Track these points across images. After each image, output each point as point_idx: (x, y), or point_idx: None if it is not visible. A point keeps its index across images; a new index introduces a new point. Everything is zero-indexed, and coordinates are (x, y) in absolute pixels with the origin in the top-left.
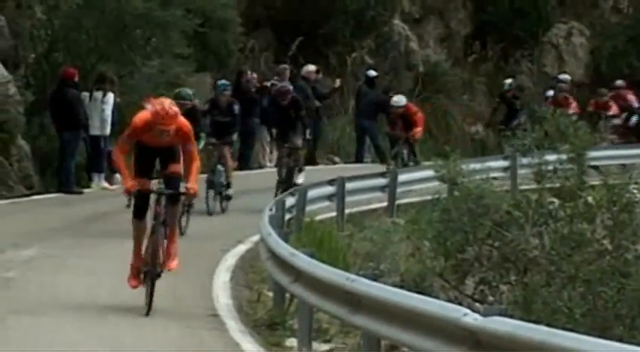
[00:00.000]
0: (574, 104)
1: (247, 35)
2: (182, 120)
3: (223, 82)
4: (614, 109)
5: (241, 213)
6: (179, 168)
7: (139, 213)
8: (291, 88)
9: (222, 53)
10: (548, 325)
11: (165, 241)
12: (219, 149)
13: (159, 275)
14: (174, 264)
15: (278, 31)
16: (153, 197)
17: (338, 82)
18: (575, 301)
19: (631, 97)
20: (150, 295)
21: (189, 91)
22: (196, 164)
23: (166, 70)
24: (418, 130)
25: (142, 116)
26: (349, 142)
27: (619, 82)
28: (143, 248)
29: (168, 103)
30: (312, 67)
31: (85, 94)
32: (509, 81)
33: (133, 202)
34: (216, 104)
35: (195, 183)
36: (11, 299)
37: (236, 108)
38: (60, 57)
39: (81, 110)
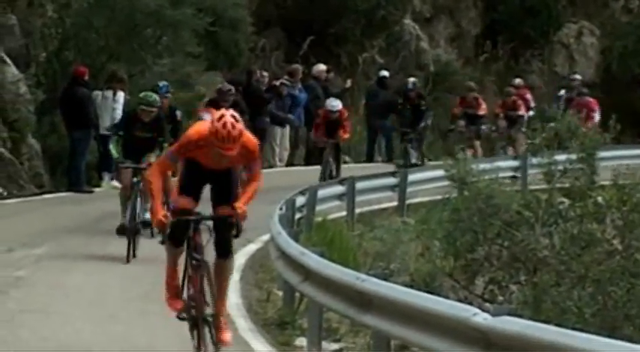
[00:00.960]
0: (483, 105)
1: (258, 34)
2: (247, 137)
3: (164, 83)
4: (522, 109)
5: (251, 213)
6: (229, 211)
7: (177, 240)
8: (232, 88)
9: (233, 52)
10: (558, 325)
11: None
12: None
13: (206, 321)
14: (228, 336)
15: (289, 30)
16: None
17: (349, 83)
18: (585, 301)
19: (529, 97)
20: (198, 340)
21: (156, 96)
22: (255, 186)
23: (177, 69)
24: (346, 137)
25: (199, 129)
26: (360, 142)
27: (518, 80)
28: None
29: (230, 120)
30: (322, 67)
31: (96, 93)
32: (412, 79)
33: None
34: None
35: (246, 204)
36: (21, 298)
37: (178, 114)
38: (71, 55)
39: (91, 109)
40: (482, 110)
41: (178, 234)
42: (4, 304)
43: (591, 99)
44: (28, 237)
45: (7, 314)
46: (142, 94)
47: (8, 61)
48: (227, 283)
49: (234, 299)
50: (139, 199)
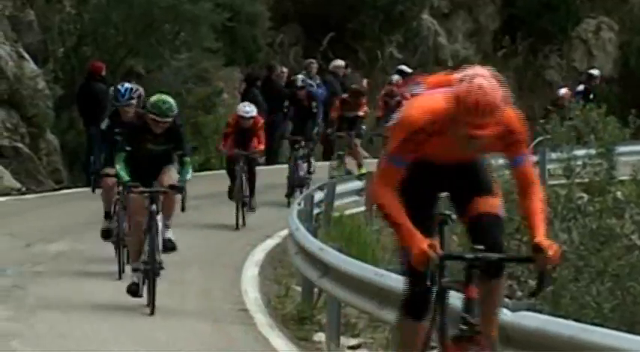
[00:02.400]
0: (365, 107)
1: (276, 30)
2: (510, 113)
3: (127, 86)
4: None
5: (270, 208)
6: (496, 207)
7: (421, 309)
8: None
9: (251, 48)
10: (577, 320)
11: None
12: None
13: None
14: None
15: (306, 25)
16: None
17: (365, 82)
18: (604, 296)
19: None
20: None
21: (172, 101)
22: (540, 196)
23: (195, 64)
24: (262, 148)
25: (427, 104)
26: (379, 137)
27: (395, 78)
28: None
29: (484, 82)
30: (340, 62)
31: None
32: (300, 76)
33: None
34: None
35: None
36: (40, 294)
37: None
38: (89, 51)
39: (108, 104)
40: (363, 111)
41: (424, 298)
42: (22, 299)
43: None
44: (47, 233)
45: (25, 309)
46: (152, 99)
47: (27, 56)
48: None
49: (252, 293)
50: (160, 229)
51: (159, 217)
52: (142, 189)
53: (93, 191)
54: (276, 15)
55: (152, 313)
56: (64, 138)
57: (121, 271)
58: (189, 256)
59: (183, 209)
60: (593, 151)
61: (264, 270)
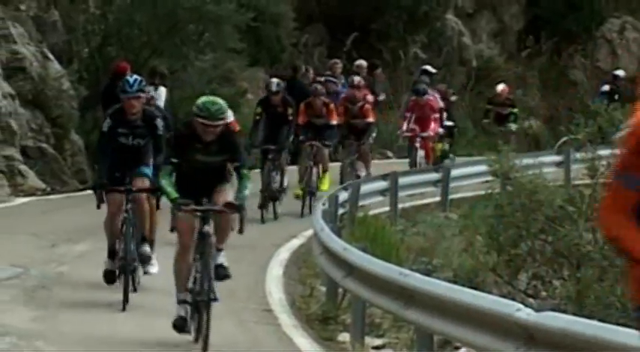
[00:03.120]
0: (334, 114)
1: (300, 30)
2: None
3: (136, 77)
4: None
5: (295, 208)
6: None
7: None
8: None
9: (275, 48)
10: (601, 320)
11: None
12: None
13: None
14: None
15: (331, 26)
16: None
17: (383, 96)
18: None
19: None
20: None
21: (222, 102)
22: None
23: (219, 65)
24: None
25: None
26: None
27: (357, 79)
28: None
29: None
30: (364, 62)
31: None
32: (275, 80)
33: None
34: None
35: None
36: (64, 294)
37: (158, 124)
38: (113, 51)
39: None
40: (335, 119)
41: None
42: (46, 300)
43: (432, 98)
44: (71, 233)
45: (50, 309)
46: (200, 101)
47: (51, 57)
48: None
49: (277, 294)
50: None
51: (212, 240)
52: (193, 207)
53: (98, 207)
54: (301, 15)
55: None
56: (88, 139)
57: (125, 301)
58: None
59: (241, 231)
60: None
61: (288, 270)
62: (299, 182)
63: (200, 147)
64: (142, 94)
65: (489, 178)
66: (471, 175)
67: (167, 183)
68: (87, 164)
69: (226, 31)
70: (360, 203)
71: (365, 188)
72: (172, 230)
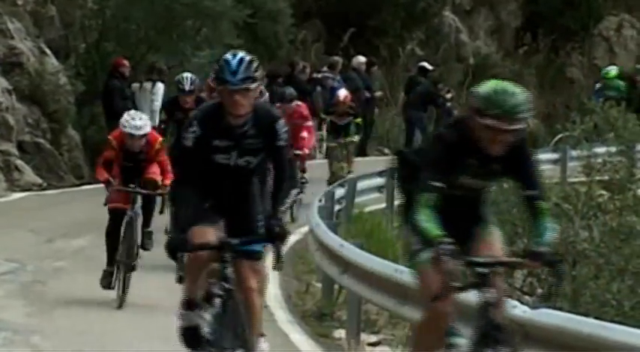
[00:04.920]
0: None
1: (297, 26)
2: None
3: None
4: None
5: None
6: None
7: None
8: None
9: (273, 44)
10: (597, 318)
11: None
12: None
13: None
14: None
15: (328, 22)
16: None
17: (380, 93)
18: (624, 294)
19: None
20: None
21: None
22: None
23: (216, 61)
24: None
25: None
26: (399, 133)
27: (289, 91)
28: None
29: None
30: (362, 59)
31: (135, 85)
32: (189, 75)
33: None
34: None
35: None
36: (61, 289)
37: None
38: (110, 47)
39: (118, 101)
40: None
41: None
42: (43, 295)
43: (301, 104)
44: (68, 228)
45: (46, 305)
46: (488, 89)
47: (48, 52)
48: None
49: (273, 290)
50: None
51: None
52: (472, 258)
53: (179, 281)
54: (298, 12)
55: None
56: (85, 134)
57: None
58: None
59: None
60: (613, 149)
61: (284, 266)
62: None
63: (474, 163)
64: (252, 85)
65: None
66: None
67: (427, 220)
68: (83, 159)
69: (224, 27)
70: (357, 199)
71: (361, 184)
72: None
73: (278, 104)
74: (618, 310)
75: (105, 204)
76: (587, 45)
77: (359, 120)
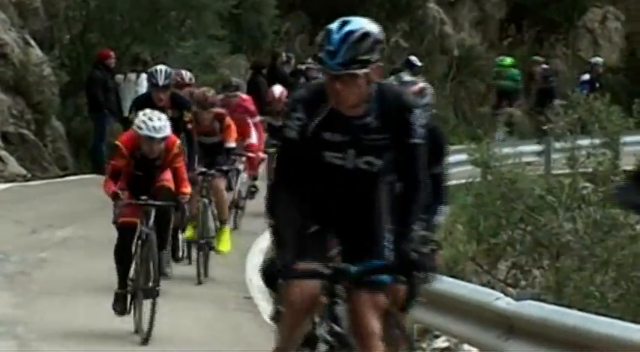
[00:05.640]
0: (233, 132)
1: (282, 18)
2: None
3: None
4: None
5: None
6: None
7: None
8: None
9: (257, 35)
10: (580, 310)
11: None
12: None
13: None
14: None
15: (313, 13)
16: None
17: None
18: (608, 286)
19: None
20: None
21: None
22: None
23: (200, 52)
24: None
25: None
26: None
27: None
28: None
29: None
30: None
31: (119, 77)
32: (163, 68)
33: None
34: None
35: None
36: (45, 280)
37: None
38: (94, 38)
39: (101, 93)
40: (233, 138)
41: None
42: (27, 286)
43: (245, 97)
44: (52, 219)
45: (30, 296)
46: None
47: (32, 43)
48: None
49: (257, 282)
50: None
51: None
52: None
53: (275, 319)
54: (283, 3)
55: None
56: (69, 125)
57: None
58: None
59: None
60: (597, 141)
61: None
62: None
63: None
64: (359, 70)
65: (470, 167)
66: (451, 164)
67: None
68: (67, 150)
69: (208, 18)
70: None
71: None
72: None
73: (221, 95)
74: (602, 302)
75: (114, 222)
76: (572, 37)
77: None
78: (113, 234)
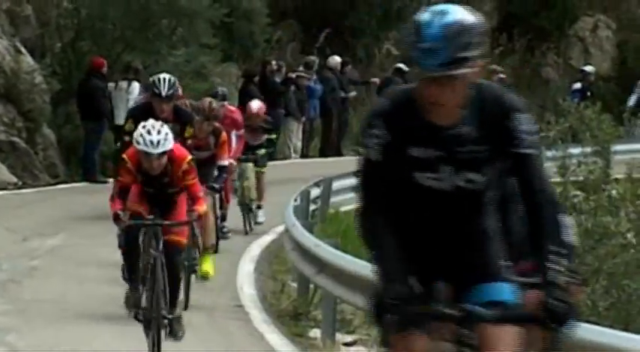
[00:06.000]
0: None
1: (273, 26)
2: None
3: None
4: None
5: (266, 204)
6: None
7: None
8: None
9: (248, 43)
10: None
11: None
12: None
13: None
14: None
15: (304, 22)
16: None
17: (377, 80)
18: (599, 294)
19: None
20: None
21: None
22: None
23: (192, 60)
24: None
25: None
26: None
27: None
28: None
29: None
30: (338, 58)
31: (111, 85)
32: (167, 76)
33: None
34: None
35: None
36: (35, 288)
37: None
38: (86, 46)
39: (103, 101)
40: (226, 158)
41: None
42: (18, 294)
43: (233, 109)
44: (43, 227)
45: (21, 303)
46: None
47: (24, 51)
48: None
49: (248, 290)
50: None
51: None
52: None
53: None
54: (274, 11)
55: None
56: (60, 133)
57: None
58: None
59: None
60: (588, 149)
61: (260, 266)
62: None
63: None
64: (458, 70)
65: None
66: None
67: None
68: (59, 158)
69: (199, 26)
70: (332, 199)
71: (337, 184)
72: None
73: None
74: (593, 310)
75: (119, 247)
76: (563, 45)
77: (274, 136)
78: (104, 241)
